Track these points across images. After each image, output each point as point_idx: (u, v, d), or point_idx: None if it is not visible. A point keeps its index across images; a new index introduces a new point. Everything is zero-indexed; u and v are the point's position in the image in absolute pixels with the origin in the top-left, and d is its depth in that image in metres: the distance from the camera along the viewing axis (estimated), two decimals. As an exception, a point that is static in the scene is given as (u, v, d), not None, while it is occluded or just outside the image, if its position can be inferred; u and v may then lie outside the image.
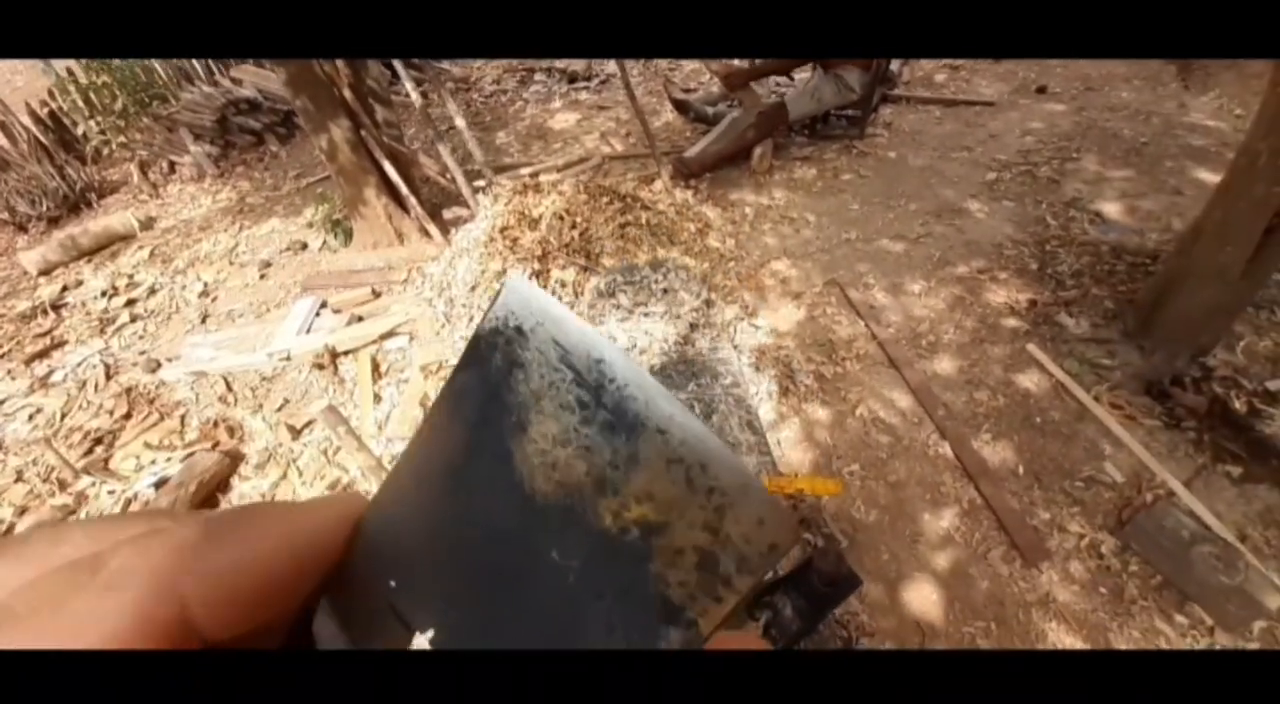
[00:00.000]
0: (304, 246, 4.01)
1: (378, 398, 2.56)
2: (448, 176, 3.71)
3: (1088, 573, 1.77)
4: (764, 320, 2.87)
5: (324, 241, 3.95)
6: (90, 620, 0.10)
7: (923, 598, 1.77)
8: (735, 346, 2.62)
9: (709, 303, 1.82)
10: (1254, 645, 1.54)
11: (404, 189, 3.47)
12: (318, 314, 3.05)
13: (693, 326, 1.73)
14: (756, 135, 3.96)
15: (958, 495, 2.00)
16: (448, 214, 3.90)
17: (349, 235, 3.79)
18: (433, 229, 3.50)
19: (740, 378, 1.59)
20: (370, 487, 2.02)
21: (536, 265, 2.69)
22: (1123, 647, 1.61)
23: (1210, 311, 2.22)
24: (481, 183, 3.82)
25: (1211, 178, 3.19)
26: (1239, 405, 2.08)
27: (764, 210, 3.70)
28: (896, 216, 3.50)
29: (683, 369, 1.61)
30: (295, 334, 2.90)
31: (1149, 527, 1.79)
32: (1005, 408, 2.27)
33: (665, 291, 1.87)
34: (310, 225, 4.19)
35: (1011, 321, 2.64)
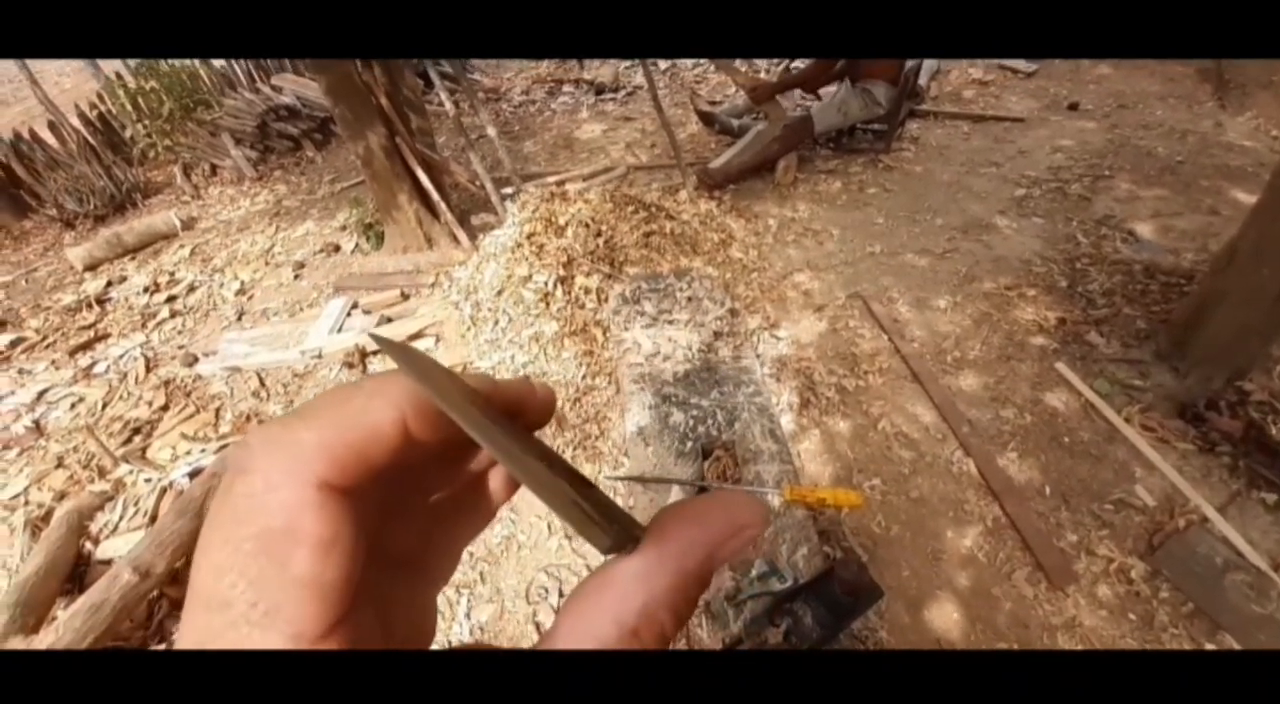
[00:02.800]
0: (337, 249, 4.13)
1: (404, 397, 2.62)
2: (477, 184, 3.79)
3: (1116, 598, 1.73)
4: (786, 332, 2.87)
5: (356, 244, 4.06)
6: (354, 414, 0.16)
7: (944, 616, 1.74)
8: (758, 356, 2.62)
9: (733, 312, 1.84)
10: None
11: (435, 195, 3.56)
12: (348, 314, 3.14)
13: (716, 335, 1.75)
14: (781, 148, 3.98)
15: (981, 514, 1.98)
16: (476, 220, 3.99)
17: (380, 239, 3.89)
18: (461, 234, 3.58)
19: (762, 387, 1.60)
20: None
21: (561, 272, 2.74)
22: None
23: (1246, 334, 2.17)
24: (510, 190, 3.90)
25: (1248, 198, 3.12)
26: (1275, 431, 2.03)
27: (787, 222, 3.71)
28: (922, 231, 3.49)
29: (706, 377, 1.63)
30: (327, 333, 2.98)
31: (1181, 552, 1.75)
32: (1032, 426, 2.24)
33: (690, 300, 1.90)
34: (343, 228, 4.32)
35: (1040, 339, 2.61)
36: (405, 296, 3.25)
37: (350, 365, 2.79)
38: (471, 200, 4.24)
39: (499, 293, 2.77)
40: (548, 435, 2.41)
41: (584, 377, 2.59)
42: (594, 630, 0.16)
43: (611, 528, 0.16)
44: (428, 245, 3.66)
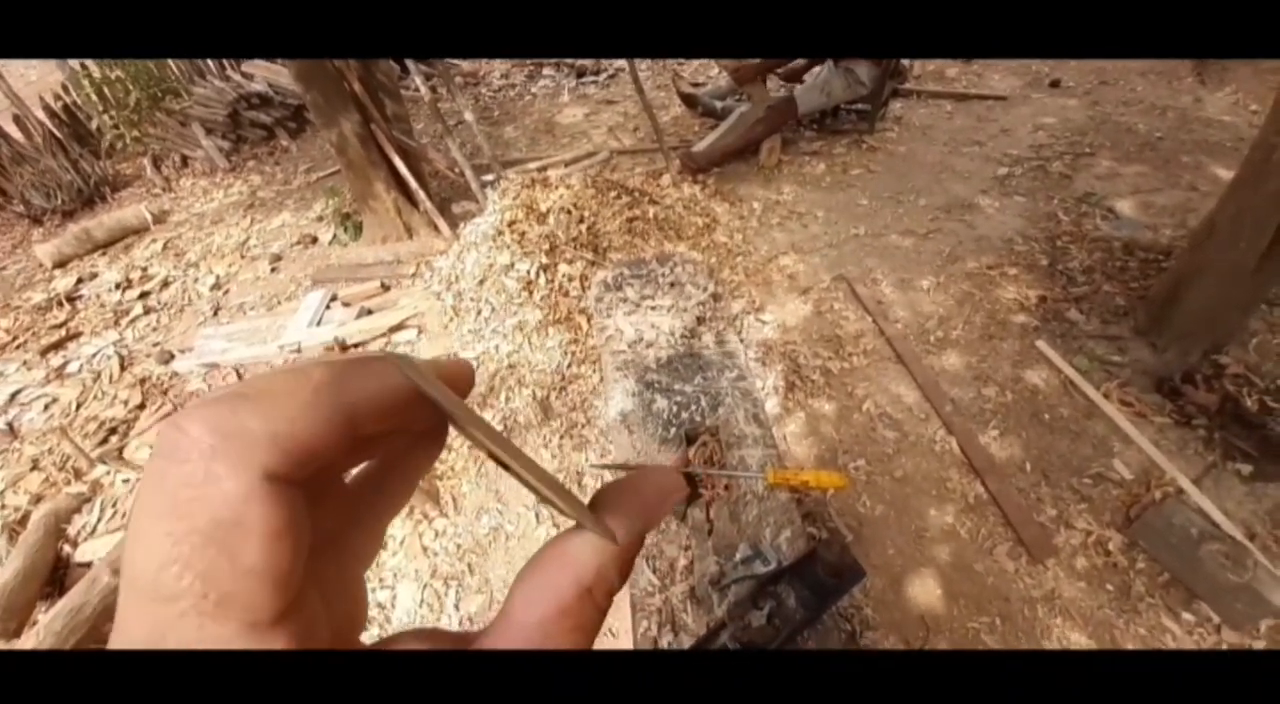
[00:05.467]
0: (314, 240, 4.05)
1: (387, 390, 2.58)
2: (456, 171, 3.72)
3: (1094, 570, 1.76)
4: (771, 315, 2.87)
5: (334, 235, 3.98)
6: (305, 405, 0.15)
7: (927, 592, 1.77)
8: (742, 340, 2.61)
9: (716, 296, 1.83)
10: (1261, 644, 1.54)
11: (413, 183, 3.50)
12: (328, 307, 3.08)
13: (699, 320, 1.74)
14: (765, 130, 3.94)
15: (964, 491, 2.00)
16: (456, 208, 3.92)
17: (358, 229, 3.82)
18: (441, 223, 3.52)
19: (746, 371, 1.60)
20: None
21: (544, 259, 2.70)
22: (1129, 644, 1.60)
23: (1223, 308, 2.20)
24: (490, 177, 3.84)
25: (1227, 173, 3.14)
26: (1251, 403, 2.06)
27: (772, 205, 3.70)
28: (906, 212, 3.48)
29: (689, 362, 1.62)
30: (305, 327, 2.93)
31: (1157, 524, 1.78)
32: (1013, 404, 2.26)
33: (672, 285, 1.88)
34: (320, 219, 4.23)
35: (1021, 318, 2.63)
36: (385, 288, 3.20)
37: (331, 359, 2.74)
38: (452, 188, 4.17)
39: (481, 282, 2.74)
40: (534, 424, 2.40)
41: (569, 365, 2.57)
42: (556, 592, 0.17)
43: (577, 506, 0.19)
44: (407, 235, 3.60)
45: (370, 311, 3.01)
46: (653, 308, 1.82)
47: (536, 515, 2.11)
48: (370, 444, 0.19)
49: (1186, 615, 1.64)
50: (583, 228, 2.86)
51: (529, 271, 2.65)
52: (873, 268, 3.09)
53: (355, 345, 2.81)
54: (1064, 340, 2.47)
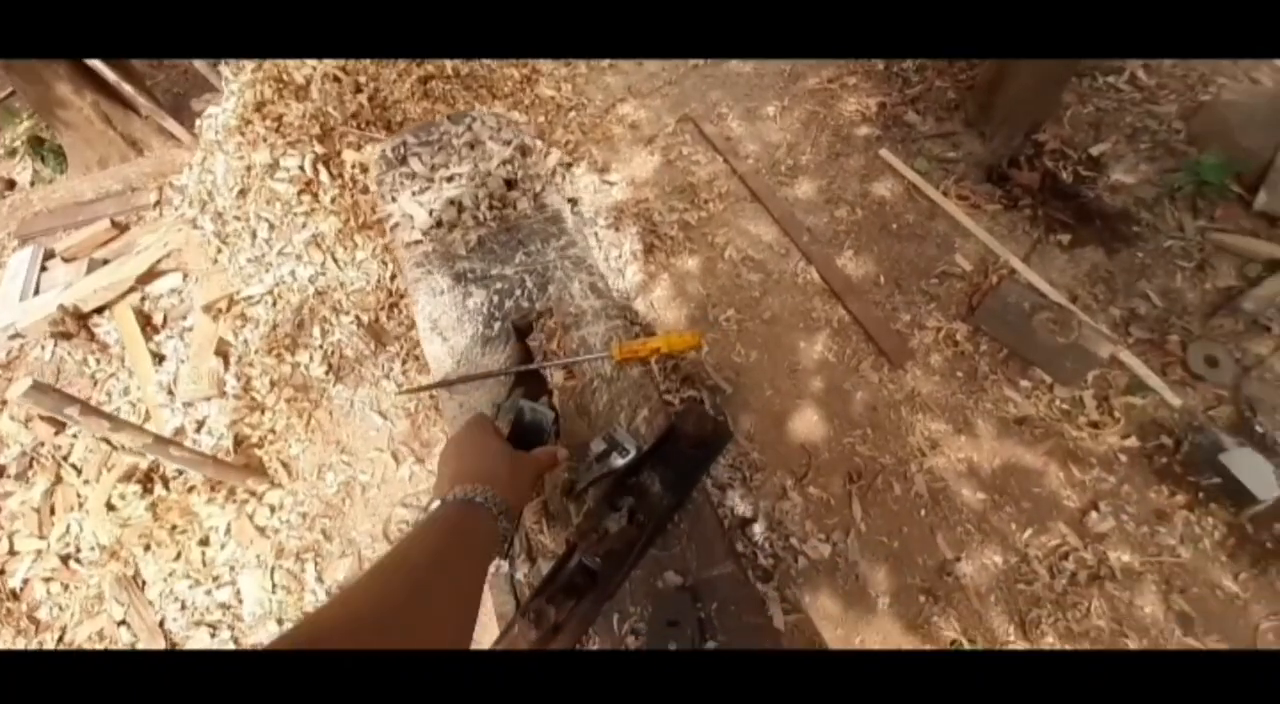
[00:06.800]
0: (11, 185, 2.98)
1: (159, 357, 2.02)
2: (174, 51, 2.76)
3: (946, 362, 1.86)
4: (617, 174, 2.56)
5: (33, 172, 2.94)
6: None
7: (805, 422, 1.78)
8: (572, 200, 2.31)
9: (524, 150, 1.48)
10: (1089, 394, 1.71)
11: (111, 76, 2.55)
12: (43, 268, 2.30)
13: (509, 184, 1.40)
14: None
15: (828, 317, 1.98)
16: (198, 105, 2.99)
17: (61, 157, 2.82)
18: (176, 128, 2.67)
19: (576, 236, 1.32)
20: (192, 470, 1.63)
21: (318, 148, 2.11)
22: (979, 421, 1.73)
23: (1040, 85, 2.21)
24: (230, 55, 2.91)
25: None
26: (1067, 176, 2.16)
27: (598, 44, 3.18)
28: (741, 31, 3.15)
29: (505, 239, 1.31)
30: (19, 301, 2.18)
31: (995, 306, 1.88)
32: (864, 220, 2.22)
33: (471, 147, 1.49)
34: (12, 154, 3.09)
35: (864, 129, 2.53)
36: (121, 227, 2.43)
37: (66, 335, 2.07)
38: (187, 79, 3.17)
39: (241, 193, 2.11)
40: (367, 354, 2.03)
41: (392, 276, 2.15)
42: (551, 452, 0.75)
43: None
44: (133, 151, 2.71)
45: (106, 261, 2.28)
46: (448, 180, 1.44)
47: (395, 455, 1.84)
48: None
49: (1024, 382, 1.78)
50: (362, 98, 2.25)
51: (301, 167, 2.07)
52: (717, 101, 2.81)
53: (96, 310, 2.14)
54: (904, 145, 2.42)
